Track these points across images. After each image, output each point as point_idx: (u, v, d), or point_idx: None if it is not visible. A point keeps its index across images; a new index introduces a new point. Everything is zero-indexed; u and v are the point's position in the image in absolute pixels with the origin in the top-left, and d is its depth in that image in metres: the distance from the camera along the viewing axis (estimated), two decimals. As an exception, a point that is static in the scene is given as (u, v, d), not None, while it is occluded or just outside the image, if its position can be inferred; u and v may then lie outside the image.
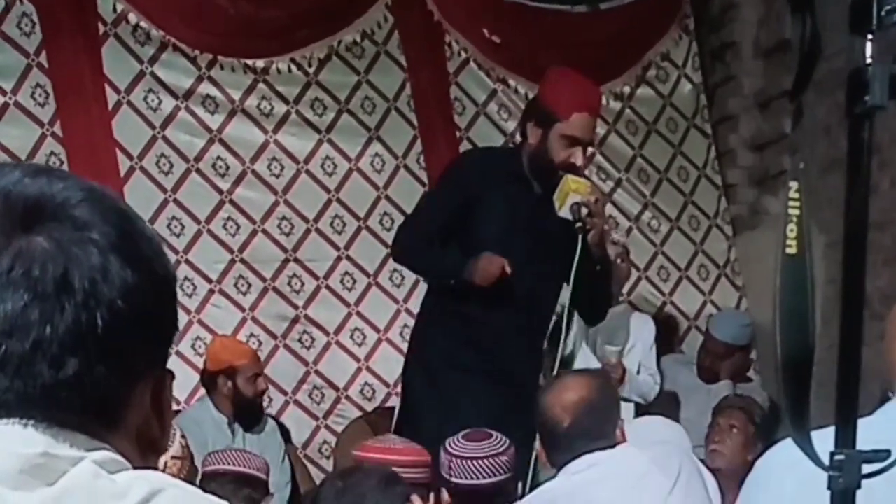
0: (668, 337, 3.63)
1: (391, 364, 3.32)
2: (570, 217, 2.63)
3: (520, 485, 2.05)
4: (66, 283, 0.62)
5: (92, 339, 0.62)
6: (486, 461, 1.97)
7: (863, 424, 0.88)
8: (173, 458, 1.76)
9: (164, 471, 1.63)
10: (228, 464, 2.32)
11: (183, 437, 1.82)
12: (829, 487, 0.86)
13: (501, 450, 1.99)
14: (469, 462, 1.97)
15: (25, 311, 0.61)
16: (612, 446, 1.79)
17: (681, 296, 3.78)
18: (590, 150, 2.92)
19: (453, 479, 1.98)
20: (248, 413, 3.03)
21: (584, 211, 2.61)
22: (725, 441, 2.70)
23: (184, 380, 3.04)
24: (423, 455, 2.02)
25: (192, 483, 0.66)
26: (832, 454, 0.86)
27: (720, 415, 2.86)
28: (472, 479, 1.96)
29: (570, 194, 2.62)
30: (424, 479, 1.91)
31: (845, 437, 0.88)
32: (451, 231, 2.70)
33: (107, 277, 0.63)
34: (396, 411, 2.97)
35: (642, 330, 3.22)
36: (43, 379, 0.61)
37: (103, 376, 0.63)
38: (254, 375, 3.03)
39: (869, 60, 0.84)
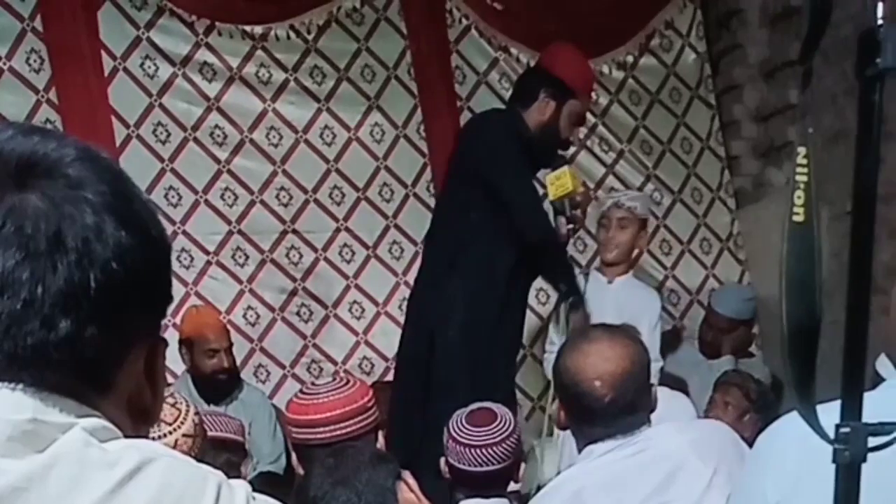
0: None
1: (390, 338, 3.30)
2: (561, 209, 2.69)
3: (523, 466, 2.03)
4: (59, 241, 0.60)
5: (85, 299, 0.60)
6: (482, 450, 1.94)
7: (867, 399, 0.87)
8: (184, 435, 1.74)
9: (174, 448, 1.61)
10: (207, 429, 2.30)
11: (196, 413, 1.81)
12: (834, 460, 0.85)
13: (499, 438, 1.95)
14: (466, 449, 1.95)
15: (17, 269, 0.59)
16: (649, 415, 1.68)
17: (683, 269, 3.76)
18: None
19: (450, 459, 1.99)
20: (207, 388, 3.00)
21: (577, 211, 2.70)
22: (720, 417, 2.69)
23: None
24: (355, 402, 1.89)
25: (203, 461, 0.65)
26: (837, 426, 0.85)
27: (716, 391, 2.86)
28: (466, 465, 1.95)
29: (573, 189, 2.68)
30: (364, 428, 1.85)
31: (851, 410, 0.86)
32: None
33: (101, 237, 0.61)
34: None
35: (646, 303, 3.11)
36: (33, 339, 0.60)
37: (95, 339, 0.61)
38: (211, 350, 2.98)
39: (881, 21, 0.81)
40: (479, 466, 1.94)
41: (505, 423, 1.99)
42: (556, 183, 2.68)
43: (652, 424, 1.70)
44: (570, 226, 2.71)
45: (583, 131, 3.65)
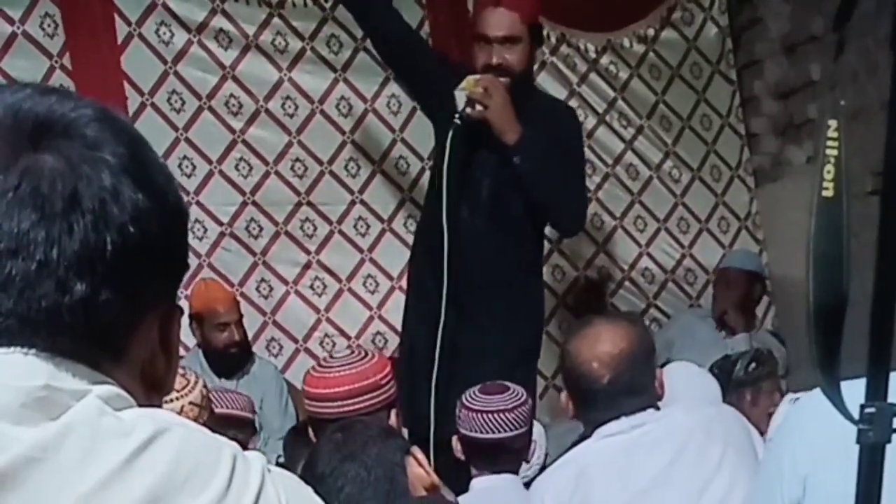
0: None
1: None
2: (462, 107, 2.54)
3: (534, 447, 2.03)
4: (75, 202, 0.59)
5: (100, 262, 0.59)
6: (494, 416, 1.96)
7: (894, 378, 0.85)
8: (191, 403, 1.75)
9: (179, 415, 1.61)
10: (214, 405, 2.30)
11: (205, 386, 1.82)
12: (857, 441, 0.84)
13: (512, 405, 1.97)
14: (478, 415, 1.97)
15: (32, 230, 0.58)
16: (653, 401, 1.68)
17: (700, 248, 3.72)
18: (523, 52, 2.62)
19: (461, 430, 1.99)
20: (219, 362, 3.00)
21: (478, 107, 2.51)
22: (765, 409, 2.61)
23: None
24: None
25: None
26: (862, 406, 0.83)
27: (752, 392, 2.69)
28: (477, 432, 1.96)
29: (457, 93, 2.54)
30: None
31: (877, 390, 0.85)
32: None
33: (118, 199, 0.60)
34: None
35: None
36: (47, 302, 0.58)
37: (110, 303, 0.59)
38: (221, 324, 2.97)
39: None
40: (491, 433, 1.95)
41: (518, 394, 2.00)
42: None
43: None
44: (457, 122, 2.53)
45: (602, 105, 3.61)
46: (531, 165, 2.56)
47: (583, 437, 1.77)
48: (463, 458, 2.03)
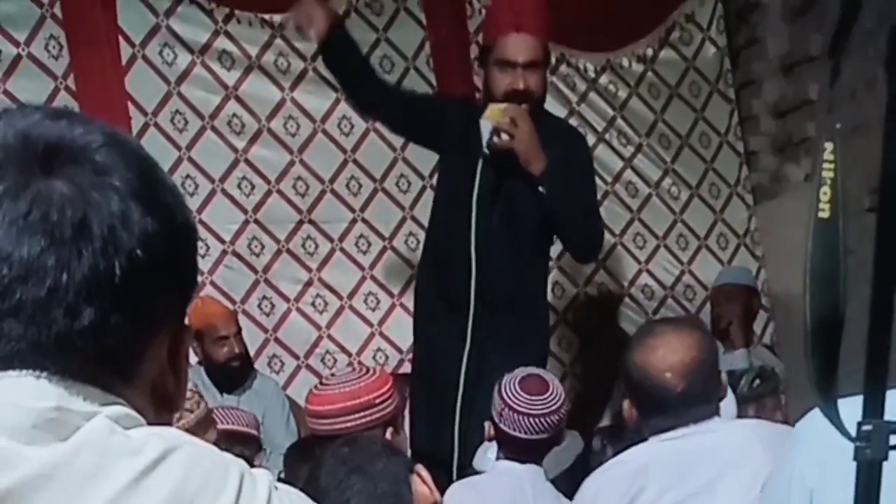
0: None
1: (404, 329, 3.28)
2: (489, 137, 2.55)
3: (566, 434, 2.06)
4: (84, 228, 0.60)
5: (109, 287, 0.60)
6: (538, 419, 1.98)
7: (891, 395, 0.86)
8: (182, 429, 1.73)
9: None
10: (219, 422, 2.31)
11: (208, 409, 1.81)
12: (854, 458, 0.84)
13: (555, 407, 1.98)
14: (522, 417, 1.98)
15: (42, 257, 0.59)
16: (718, 403, 1.70)
17: (699, 265, 3.74)
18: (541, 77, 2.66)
19: (501, 425, 2.00)
20: (221, 378, 3.02)
21: (504, 137, 2.52)
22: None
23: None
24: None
25: None
26: (859, 424, 0.84)
27: (759, 417, 2.73)
28: (520, 433, 1.98)
29: (483, 122, 2.54)
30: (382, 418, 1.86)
31: (874, 407, 0.86)
32: None
33: (127, 224, 0.61)
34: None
35: None
36: (58, 327, 0.59)
37: (119, 327, 0.61)
38: (220, 338, 3.00)
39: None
40: (533, 434, 1.98)
41: (557, 392, 2.02)
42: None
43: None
44: (486, 151, 2.56)
45: (601, 124, 3.64)
46: (557, 194, 2.58)
47: (587, 451, 1.77)
48: (494, 442, 2.04)
